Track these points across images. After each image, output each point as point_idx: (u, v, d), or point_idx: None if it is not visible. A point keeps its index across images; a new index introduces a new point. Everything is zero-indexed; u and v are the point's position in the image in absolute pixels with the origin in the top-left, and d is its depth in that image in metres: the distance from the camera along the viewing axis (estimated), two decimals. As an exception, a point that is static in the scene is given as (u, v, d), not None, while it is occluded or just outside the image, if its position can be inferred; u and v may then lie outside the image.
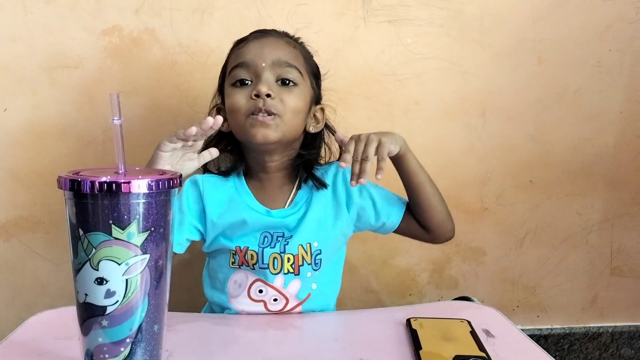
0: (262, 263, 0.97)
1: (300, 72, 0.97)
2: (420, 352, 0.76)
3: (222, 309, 1.01)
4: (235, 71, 0.95)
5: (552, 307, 1.51)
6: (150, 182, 0.55)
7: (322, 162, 1.10)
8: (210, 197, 1.00)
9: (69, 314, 0.87)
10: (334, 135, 1.06)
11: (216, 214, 0.99)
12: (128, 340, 0.59)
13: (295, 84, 0.96)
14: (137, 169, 0.63)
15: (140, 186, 0.55)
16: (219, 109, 1.02)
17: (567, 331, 1.52)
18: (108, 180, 0.54)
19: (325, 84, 1.09)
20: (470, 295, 1.27)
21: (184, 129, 0.82)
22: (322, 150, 1.09)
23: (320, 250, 0.98)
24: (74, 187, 0.55)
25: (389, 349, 0.81)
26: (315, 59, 1.05)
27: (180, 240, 0.98)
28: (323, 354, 0.81)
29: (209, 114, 1.04)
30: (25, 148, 1.22)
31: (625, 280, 1.51)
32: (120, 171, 0.59)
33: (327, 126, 1.08)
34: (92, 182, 0.54)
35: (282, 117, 0.93)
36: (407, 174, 1.00)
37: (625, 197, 1.46)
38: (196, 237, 1.00)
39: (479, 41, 1.33)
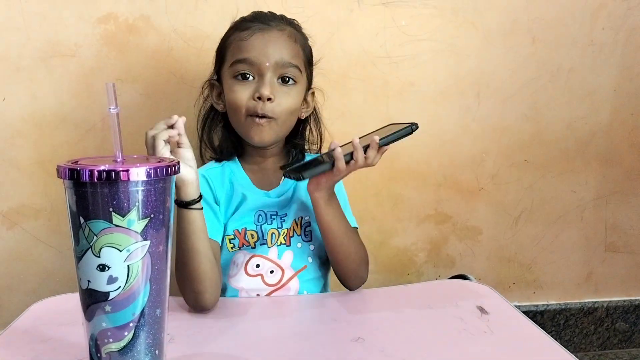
0: (262, 239, 1.01)
1: (299, 70, 1.00)
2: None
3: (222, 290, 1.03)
4: (238, 65, 0.98)
5: (547, 284, 1.53)
6: (148, 170, 0.57)
7: (309, 149, 1.15)
8: (217, 186, 1.03)
9: (72, 301, 0.88)
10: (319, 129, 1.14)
11: (224, 198, 1.03)
12: (131, 324, 0.60)
13: (294, 82, 1.00)
14: (135, 156, 0.64)
15: (139, 174, 0.56)
16: (212, 84, 1.06)
17: (563, 307, 1.54)
18: (107, 169, 0.55)
19: (320, 67, 1.10)
20: (467, 274, 1.29)
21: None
22: (307, 133, 1.14)
23: (310, 222, 1.04)
24: (74, 176, 0.56)
25: (386, 329, 0.83)
26: (310, 43, 1.07)
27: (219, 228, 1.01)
28: (322, 334, 0.83)
29: (203, 89, 1.11)
30: (25, 137, 1.23)
31: (619, 256, 1.53)
32: (119, 159, 0.60)
33: (313, 109, 1.12)
34: (91, 171, 0.55)
35: (278, 119, 0.99)
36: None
37: (618, 174, 1.48)
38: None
39: (473, 22, 1.33)
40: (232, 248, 1.02)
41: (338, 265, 1.01)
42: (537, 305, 1.53)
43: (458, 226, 1.44)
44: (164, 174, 0.59)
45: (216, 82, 1.05)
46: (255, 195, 1.03)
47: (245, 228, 1.01)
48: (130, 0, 1.20)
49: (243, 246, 1.01)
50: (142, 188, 0.57)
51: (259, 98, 0.96)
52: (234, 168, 1.07)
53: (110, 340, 0.60)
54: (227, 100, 1.01)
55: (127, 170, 0.56)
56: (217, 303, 0.92)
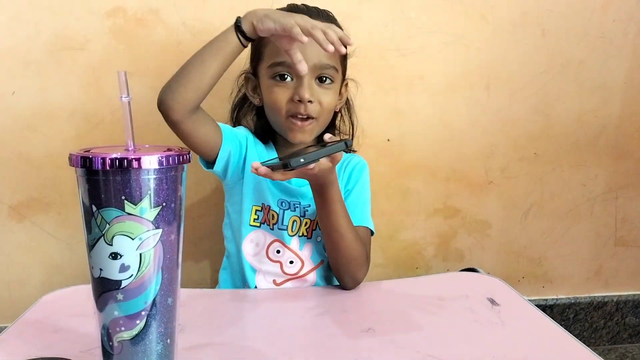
0: (282, 224, 1.03)
1: (336, 69, 1.01)
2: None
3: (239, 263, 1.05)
4: (276, 68, 0.98)
5: (557, 278, 1.52)
6: (160, 158, 0.57)
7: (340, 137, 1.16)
8: (250, 144, 1.05)
9: (82, 292, 0.89)
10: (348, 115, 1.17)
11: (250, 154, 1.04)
12: (143, 313, 0.60)
13: (331, 81, 1.01)
14: (147, 146, 0.64)
15: (151, 162, 0.56)
16: (247, 77, 1.07)
17: (572, 301, 1.54)
18: (119, 157, 0.55)
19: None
20: (477, 267, 1.28)
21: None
22: (339, 122, 1.16)
23: None
24: (86, 164, 0.56)
25: (396, 320, 0.83)
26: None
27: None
28: (332, 325, 0.83)
29: (237, 81, 1.12)
30: (35, 130, 1.23)
31: (629, 250, 1.53)
32: (130, 148, 0.60)
33: (347, 99, 1.14)
34: (104, 159, 0.55)
35: (319, 119, 1.00)
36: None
37: (629, 168, 1.47)
38: (223, 155, 1.01)
39: (483, 14, 1.32)
40: (254, 220, 1.03)
41: (328, 255, 1.00)
42: (546, 300, 1.53)
43: (467, 220, 1.44)
44: (176, 163, 0.58)
45: (252, 75, 1.06)
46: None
47: (270, 206, 1.03)
48: (139, -7, 1.20)
49: (263, 224, 1.03)
50: (154, 176, 0.57)
51: (299, 101, 0.96)
52: (267, 147, 1.08)
53: (122, 328, 0.60)
54: (265, 99, 1.02)
55: (139, 159, 0.56)
56: (179, 118, 0.91)
